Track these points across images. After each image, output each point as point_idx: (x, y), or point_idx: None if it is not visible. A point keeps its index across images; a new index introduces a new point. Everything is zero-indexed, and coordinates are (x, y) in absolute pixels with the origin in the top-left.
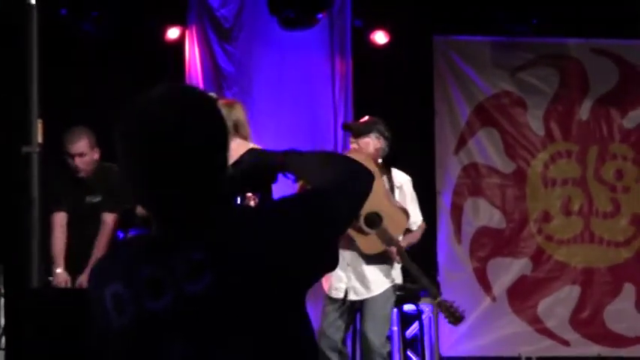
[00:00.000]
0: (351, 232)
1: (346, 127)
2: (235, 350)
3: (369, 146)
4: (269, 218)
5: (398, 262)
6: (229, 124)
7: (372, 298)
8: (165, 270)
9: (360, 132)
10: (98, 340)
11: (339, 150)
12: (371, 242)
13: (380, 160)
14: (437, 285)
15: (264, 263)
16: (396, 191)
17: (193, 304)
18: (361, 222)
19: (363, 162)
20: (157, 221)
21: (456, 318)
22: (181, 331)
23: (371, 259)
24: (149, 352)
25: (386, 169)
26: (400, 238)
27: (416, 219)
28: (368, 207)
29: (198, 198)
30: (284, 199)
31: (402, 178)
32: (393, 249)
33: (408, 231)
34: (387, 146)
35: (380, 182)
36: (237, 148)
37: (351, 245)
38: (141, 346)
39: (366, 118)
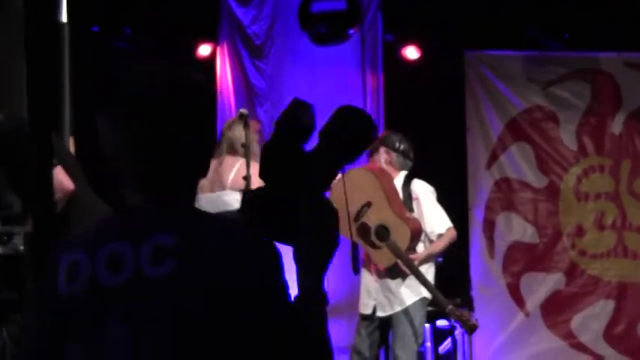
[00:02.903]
0: (365, 247)
1: None
2: (158, 343)
3: (379, 161)
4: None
5: (409, 274)
6: (225, 142)
7: (398, 313)
8: (132, 248)
9: (371, 150)
10: (39, 304)
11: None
12: (383, 255)
13: (403, 172)
14: (470, 299)
15: (218, 285)
16: (414, 203)
17: (147, 287)
18: (372, 236)
19: (377, 174)
20: (138, 194)
21: (469, 327)
22: (125, 311)
23: (397, 274)
24: (90, 324)
25: (407, 181)
26: (421, 248)
27: (434, 229)
28: (376, 220)
29: (180, 173)
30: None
31: (419, 189)
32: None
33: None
34: (400, 158)
35: (383, 193)
36: (225, 167)
37: None
38: (84, 316)
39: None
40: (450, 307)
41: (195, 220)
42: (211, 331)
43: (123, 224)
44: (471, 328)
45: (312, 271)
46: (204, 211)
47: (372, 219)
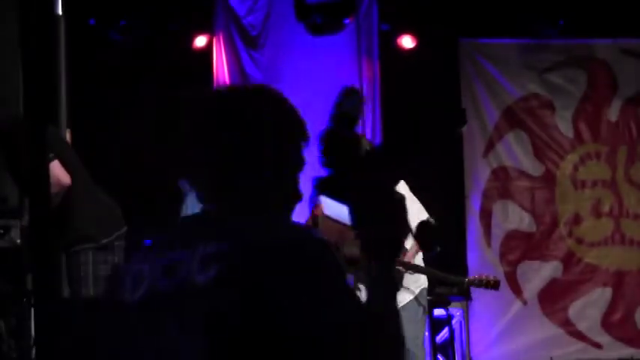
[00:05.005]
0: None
1: None
2: (195, 346)
3: None
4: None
5: (408, 273)
6: None
7: (402, 306)
8: (185, 256)
9: None
10: (104, 312)
11: None
12: None
13: None
14: (467, 288)
15: (260, 292)
16: None
17: (193, 293)
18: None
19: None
20: (208, 202)
21: (492, 284)
22: (174, 314)
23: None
24: (152, 328)
25: None
26: (408, 246)
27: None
28: None
29: (232, 181)
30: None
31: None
32: None
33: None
34: None
35: None
36: None
37: None
38: (146, 320)
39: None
40: (466, 279)
41: (247, 226)
42: (246, 338)
43: (183, 233)
44: (495, 284)
45: (381, 258)
46: (262, 217)
47: None
